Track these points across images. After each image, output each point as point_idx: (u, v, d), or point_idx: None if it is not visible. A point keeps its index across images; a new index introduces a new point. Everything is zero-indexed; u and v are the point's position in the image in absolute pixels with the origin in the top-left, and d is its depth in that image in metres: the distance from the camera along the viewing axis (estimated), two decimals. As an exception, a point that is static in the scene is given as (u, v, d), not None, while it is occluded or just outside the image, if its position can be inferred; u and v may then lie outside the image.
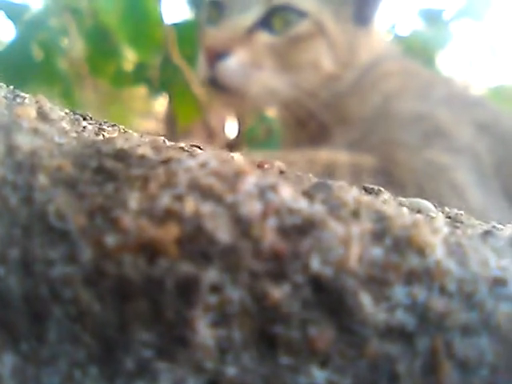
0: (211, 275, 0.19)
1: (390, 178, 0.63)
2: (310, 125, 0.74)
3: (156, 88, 1.19)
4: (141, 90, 1.20)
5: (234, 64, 0.68)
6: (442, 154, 0.66)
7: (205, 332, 0.19)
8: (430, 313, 0.19)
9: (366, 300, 0.19)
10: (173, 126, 1.17)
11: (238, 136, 1.11)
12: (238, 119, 1.11)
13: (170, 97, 1.18)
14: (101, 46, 1.13)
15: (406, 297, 0.19)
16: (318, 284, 0.19)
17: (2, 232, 0.20)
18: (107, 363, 0.19)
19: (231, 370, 0.19)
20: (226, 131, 1.19)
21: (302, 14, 0.70)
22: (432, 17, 1.18)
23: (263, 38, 0.69)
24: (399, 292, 0.19)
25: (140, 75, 1.17)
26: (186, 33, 1.13)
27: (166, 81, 1.14)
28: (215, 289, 0.19)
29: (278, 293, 0.19)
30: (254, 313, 0.19)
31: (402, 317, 0.19)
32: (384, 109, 0.72)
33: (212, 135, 1.12)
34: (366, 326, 0.19)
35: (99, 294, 0.19)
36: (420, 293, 0.19)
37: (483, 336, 0.20)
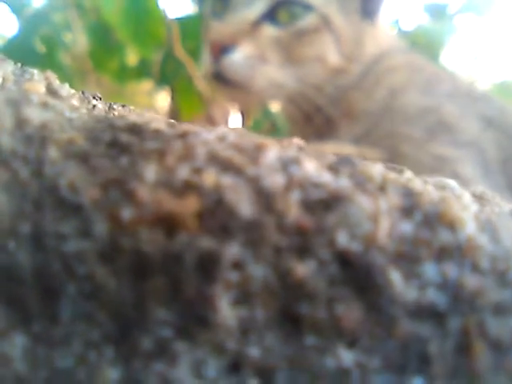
0: (233, 251, 0.18)
1: None
2: (315, 119, 0.73)
3: (159, 83, 1.18)
4: (144, 85, 1.19)
5: (239, 58, 0.67)
6: (447, 148, 0.65)
7: (226, 311, 0.18)
8: (462, 291, 0.18)
9: (395, 277, 0.18)
10: (176, 121, 1.15)
11: (241, 131, 1.10)
12: (242, 113, 1.10)
13: (173, 91, 1.17)
14: (104, 42, 1.13)
15: (437, 274, 0.18)
16: (345, 260, 0.18)
17: (13, 206, 0.19)
18: (123, 343, 0.18)
19: (254, 351, 0.18)
20: (229, 125, 1.18)
21: (307, 8, 0.69)
22: (437, 11, 1.17)
23: (268, 31, 0.69)
24: (430, 269, 0.18)
25: (143, 70, 1.16)
26: (190, 27, 1.12)
27: (169, 75, 1.14)
28: (237, 265, 0.18)
29: (302, 269, 0.18)
30: (277, 291, 0.18)
31: (433, 295, 0.18)
32: (389, 103, 0.71)
33: (216, 130, 1.11)
34: (395, 305, 0.18)
35: (115, 270, 0.18)
36: (452, 270, 0.18)
37: (518, 315, 0.19)
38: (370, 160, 0.62)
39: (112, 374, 0.18)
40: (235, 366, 0.18)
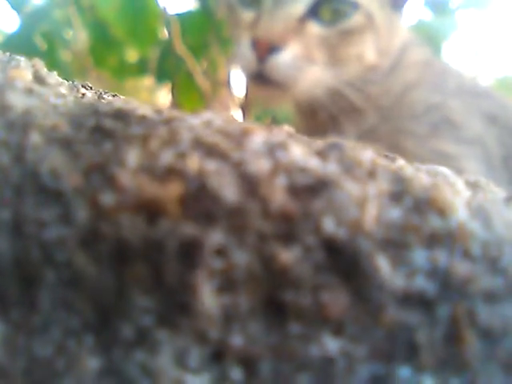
0: (216, 237, 0.18)
1: None
2: (329, 113, 0.71)
3: (158, 79, 1.18)
4: (145, 81, 1.19)
5: (287, 59, 0.64)
6: (451, 144, 0.65)
7: (209, 298, 0.18)
8: (451, 278, 0.18)
9: (383, 264, 0.18)
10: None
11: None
12: (242, 109, 1.09)
13: (173, 87, 1.17)
14: (103, 38, 1.12)
15: (426, 261, 0.18)
16: (331, 247, 0.18)
17: (-8, 192, 0.19)
18: (104, 332, 0.18)
19: (237, 340, 0.18)
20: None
21: (354, 6, 0.66)
22: (438, 6, 1.16)
23: (314, 29, 0.65)
24: (419, 256, 0.18)
25: (143, 67, 1.16)
26: (191, 23, 1.12)
27: (169, 71, 1.13)
28: (220, 252, 0.18)
29: (287, 256, 0.18)
30: (261, 278, 0.18)
31: (421, 282, 0.18)
32: (401, 99, 0.70)
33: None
34: (382, 292, 0.18)
35: (95, 257, 0.18)
36: (441, 257, 0.18)
37: (508, 303, 0.18)
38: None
39: (92, 362, 0.18)
40: (218, 354, 0.18)
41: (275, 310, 0.18)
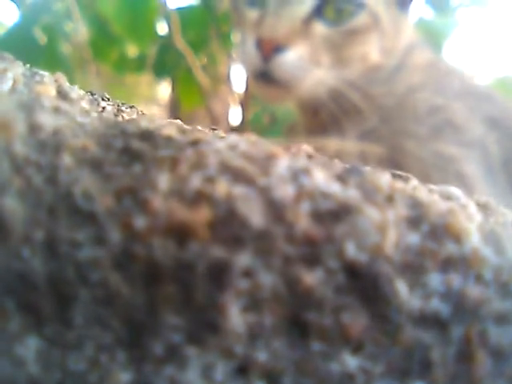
0: (243, 259, 0.19)
1: (397, 167, 0.62)
2: (331, 113, 0.72)
3: (157, 74, 1.18)
4: (145, 76, 1.20)
5: (292, 59, 0.64)
6: (452, 147, 0.65)
7: (236, 317, 0.19)
8: (465, 301, 0.19)
9: (401, 287, 0.19)
10: (176, 112, 1.15)
11: (241, 123, 1.10)
12: (242, 106, 1.10)
13: (173, 83, 1.17)
14: (104, 32, 1.12)
15: (441, 284, 0.19)
16: (352, 270, 0.19)
17: (27, 213, 0.20)
18: (135, 348, 0.19)
19: (262, 356, 0.19)
20: (229, 118, 1.18)
21: (360, 6, 0.66)
22: (439, 4, 1.17)
23: (319, 29, 0.66)
24: (435, 279, 0.19)
25: (143, 61, 1.16)
26: (191, 18, 1.12)
27: (169, 67, 1.14)
28: (247, 273, 0.19)
29: (311, 278, 0.19)
30: (286, 298, 0.19)
31: (436, 304, 0.19)
32: (404, 100, 0.71)
33: (215, 121, 1.12)
34: (400, 314, 0.19)
35: (128, 277, 0.19)
36: (456, 280, 0.19)
37: (519, 325, 0.19)
38: (374, 158, 0.61)
39: (123, 377, 0.19)
40: (243, 369, 0.19)
41: (298, 328, 0.19)
